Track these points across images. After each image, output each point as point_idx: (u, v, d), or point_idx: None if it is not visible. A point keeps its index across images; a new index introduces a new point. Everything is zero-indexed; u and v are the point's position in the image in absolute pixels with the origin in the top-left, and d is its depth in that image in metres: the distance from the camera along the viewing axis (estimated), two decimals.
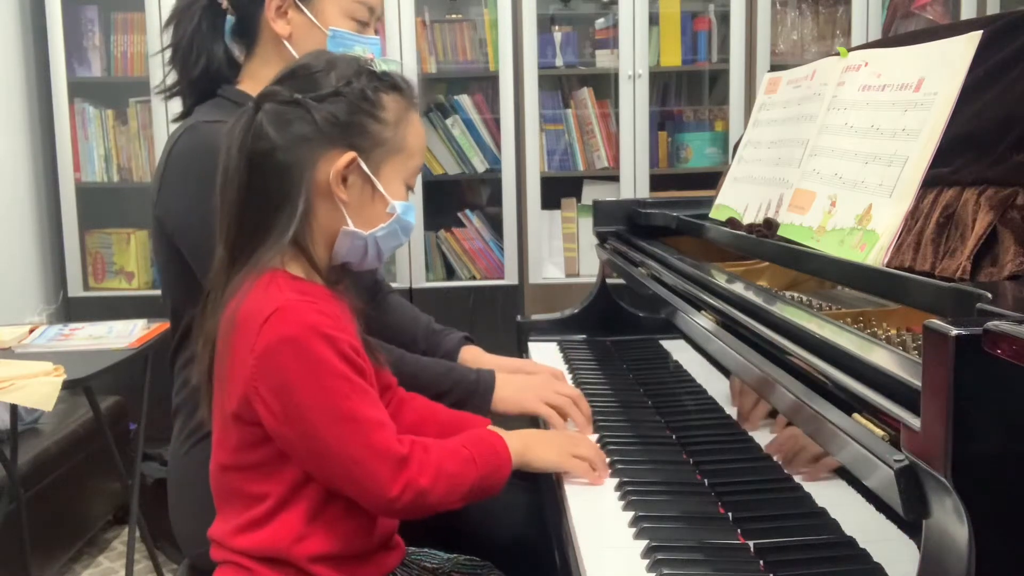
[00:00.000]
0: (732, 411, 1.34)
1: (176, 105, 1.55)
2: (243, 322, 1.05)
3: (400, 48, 3.28)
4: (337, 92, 1.10)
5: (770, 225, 1.37)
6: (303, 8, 1.44)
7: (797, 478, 1.06)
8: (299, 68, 1.14)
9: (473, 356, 1.64)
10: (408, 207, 1.15)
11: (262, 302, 1.05)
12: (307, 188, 1.08)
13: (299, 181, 1.08)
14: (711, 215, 1.66)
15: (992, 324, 0.66)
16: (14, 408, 2.28)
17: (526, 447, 1.19)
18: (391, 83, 1.14)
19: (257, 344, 1.03)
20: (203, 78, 1.46)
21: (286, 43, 1.44)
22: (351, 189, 1.10)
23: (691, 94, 3.65)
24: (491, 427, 1.27)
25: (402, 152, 1.14)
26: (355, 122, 1.10)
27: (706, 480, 1.17)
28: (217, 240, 1.12)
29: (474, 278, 3.48)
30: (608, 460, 1.24)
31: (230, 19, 1.47)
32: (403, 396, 1.31)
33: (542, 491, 1.42)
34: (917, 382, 0.73)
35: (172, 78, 1.51)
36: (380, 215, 1.13)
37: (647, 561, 0.96)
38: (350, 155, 1.09)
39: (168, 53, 1.49)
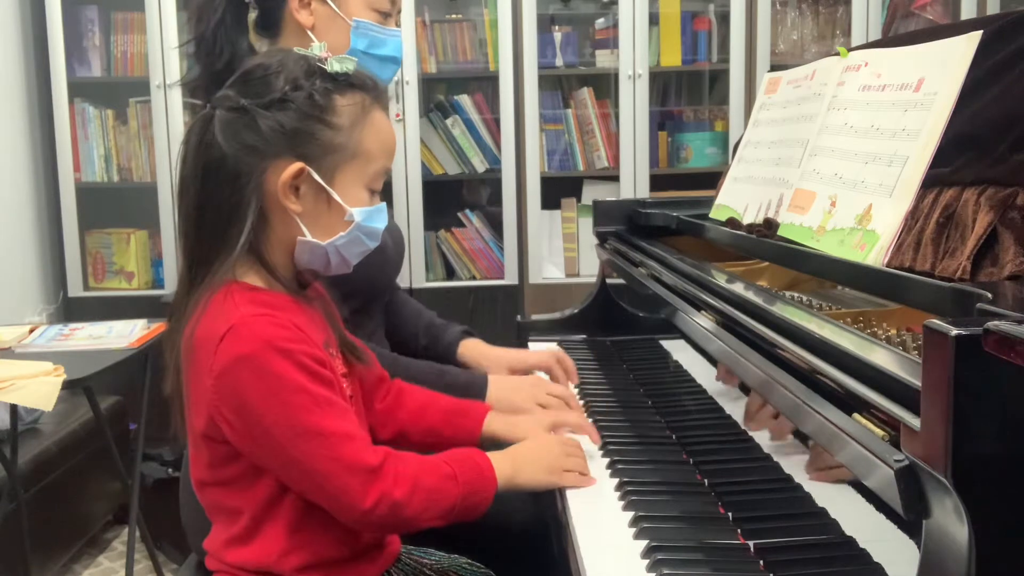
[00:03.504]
0: (732, 411, 1.34)
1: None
2: (200, 342, 1.04)
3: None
4: (284, 98, 1.05)
5: (770, 225, 1.37)
6: None
7: (800, 479, 1.06)
8: (255, 68, 1.09)
9: (472, 349, 1.64)
10: (371, 212, 1.10)
11: (217, 320, 1.03)
12: (258, 198, 1.04)
13: (249, 191, 1.04)
14: (711, 215, 1.66)
15: (992, 324, 0.66)
16: (14, 408, 2.27)
17: (515, 470, 1.15)
18: (347, 83, 1.08)
19: (215, 365, 1.01)
20: (227, 71, 1.45)
21: (310, 34, 1.44)
22: (304, 199, 1.06)
23: (691, 94, 3.65)
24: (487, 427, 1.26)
25: (359, 157, 1.08)
26: (303, 130, 1.05)
27: (706, 480, 1.17)
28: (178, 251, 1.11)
29: (474, 278, 3.48)
30: (608, 460, 1.24)
31: (252, 12, 1.48)
32: (402, 387, 1.30)
33: (542, 491, 1.42)
34: (917, 382, 0.73)
35: (194, 72, 1.51)
36: (338, 223, 1.08)
37: (647, 561, 0.96)
38: (297, 166, 1.04)
39: (190, 47, 1.49)
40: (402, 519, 1.06)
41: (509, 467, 1.14)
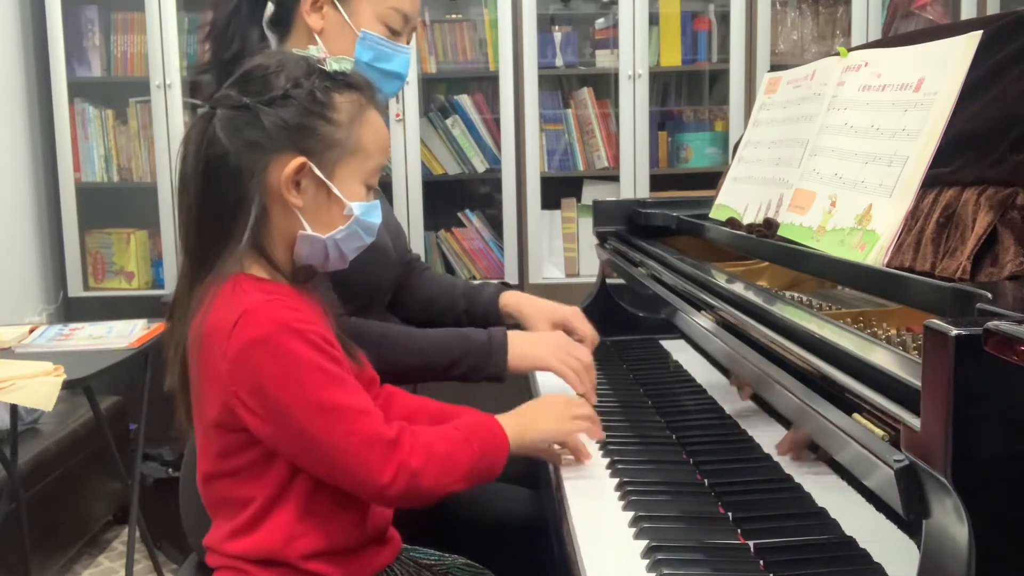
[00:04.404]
0: (732, 411, 1.34)
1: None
2: (211, 331, 1.05)
3: None
4: (286, 95, 1.08)
5: (770, 225, 1.37)
6: (338, 5, 1.45)
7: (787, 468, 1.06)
8: (255, 68, 1.12)
9: (513, 298, 1.64)
10: (369, 207, 1.13)
11: (228, 308, 1.04)
12: (260, 193, 1.07)
13: (251, 187, 1.06)
14: (711, 215, 1.66)
15: (992, 324, 0.66)
16: (14, 408, 2.27)
17: (524, 426, 1.18)
18: (345, 82, 1.12)
19: (229, 349, 1.03)
20: (235, 62, 1.46)
21: (317, 38, 1.45)
22: (305, 193, 1.09)
23: (691, 94, 3.65)
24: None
25: (357, 153, 1.11)
26: (305, 125, 1.08)
27: (706, 480, 1.17)
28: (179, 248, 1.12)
29: (474, 278, 3.48)
30: (608, 460, 1.24)
31: (269, 7, 1.49)
32: (391, 391, 1.31)
33: (542, 491, 1.42)
34: (917, 382, 0.73)
35: (204, 58, 1.51)
36: (338, 218, 1.11)
37: (647, 561, 0.96)
38: (299, 160, 1.07)
39: (202, 33, 1.50)
40: (421, 488, 1.07)
41: (517, 424, 1.18)
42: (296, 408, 1.03)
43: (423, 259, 3.33)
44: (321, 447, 1.04)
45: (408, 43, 1.52)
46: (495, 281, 1.69)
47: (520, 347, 1.44)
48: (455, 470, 1.09)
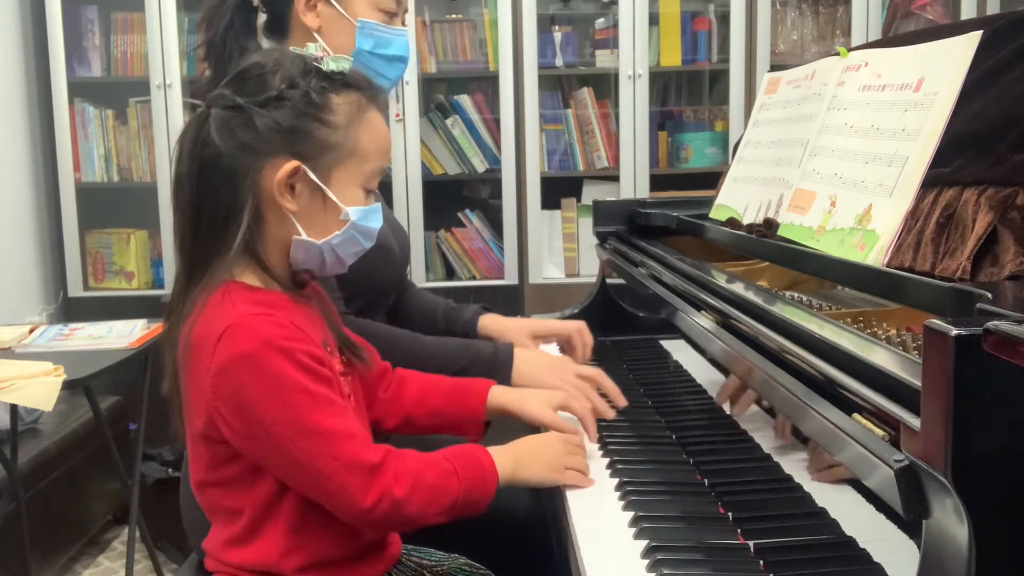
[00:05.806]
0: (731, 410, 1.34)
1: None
2: (198, 342, 1.03)
3: None
4: (280, 96, 1.05)
5: (770, 225, 1.37)
6: (332, 1, 1.45)
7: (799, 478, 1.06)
8: (251, 67, 1.09)
9: (493, 322, 1.63)
10: (367, 212, 1.10)
11: (215, 320, 1.02)
12: (254, 197, 1.04)
13: (245, 189, 1.04)
14: (711, 215, 1.66)
15: (992, 324, 0.66)
16: (14, 408, 2.28)
17: (516, 466, 1.14)
18: (343, 82, 1.09)
19: (213, 364, 1.01)
20: None
21: (317, 36, 1.45)
22: (299, 197, 1.06)
23: (691, 94, 3.65)
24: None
25: (355, 156, 1.08)
26: (299, 128, 1.05)
27: (706, 480, 1.17)
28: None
29: (474, 278, 3.48)
30: (608, 460, 1.24)
31: (262, 15, 1.49)
32: (403, 374, 1.30)
33: (542, 491, 1.42)
34: (917, 382, 0.73)
35: (206, 76, 1.51)
36: (334, 222, 1.08)
37: (647, 561, 0.96)
38: (292, 164, 1.04)
39: (200, 51, 1.50)
40: (403, 516, 1.05)
41: (510, 462, 1.14)
42: (277, 429, 1.01)
43: (423, 260, 3.37)
44: (302, 469, 1.02)
45: (403, 24, 1.53)
46: (475, 306, 1.67)
47: (524, 365, 1.43)
48: (439, 502, 1.07)
